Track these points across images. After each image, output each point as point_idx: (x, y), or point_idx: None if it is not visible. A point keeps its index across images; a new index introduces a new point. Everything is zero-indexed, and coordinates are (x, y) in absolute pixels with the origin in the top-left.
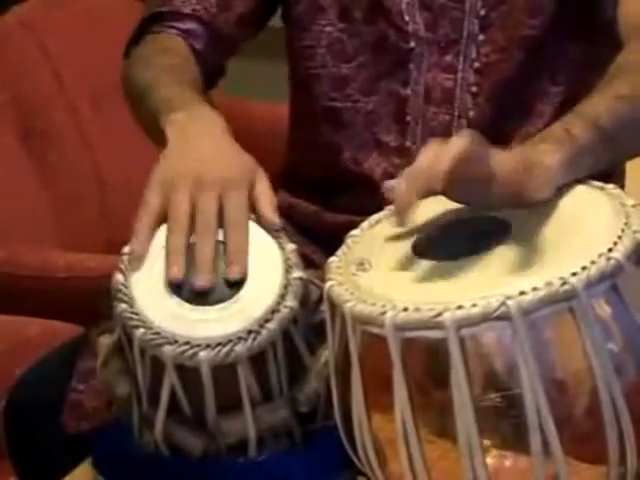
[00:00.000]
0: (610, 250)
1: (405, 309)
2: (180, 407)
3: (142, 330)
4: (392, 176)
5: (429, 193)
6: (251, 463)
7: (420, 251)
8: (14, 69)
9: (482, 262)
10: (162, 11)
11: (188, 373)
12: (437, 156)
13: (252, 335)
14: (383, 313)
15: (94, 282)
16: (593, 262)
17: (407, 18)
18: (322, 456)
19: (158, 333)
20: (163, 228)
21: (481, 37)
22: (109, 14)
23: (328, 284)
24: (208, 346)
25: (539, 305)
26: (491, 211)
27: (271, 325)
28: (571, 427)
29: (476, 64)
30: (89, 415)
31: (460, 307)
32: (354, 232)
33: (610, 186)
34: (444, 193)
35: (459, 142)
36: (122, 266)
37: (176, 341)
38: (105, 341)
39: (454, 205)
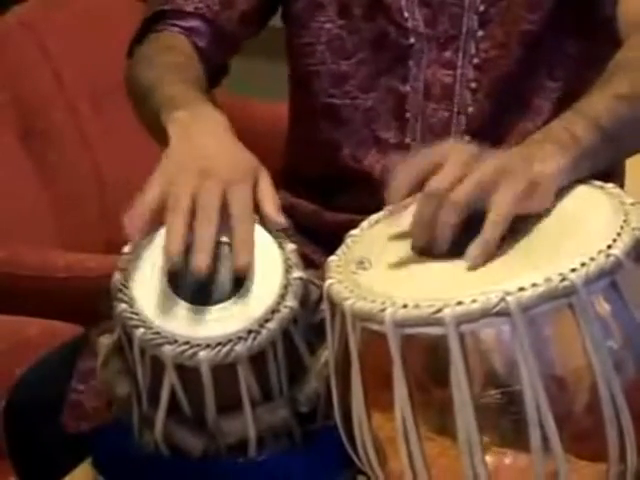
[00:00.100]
0: (609, 247)
1: (405, 306)
2: (180, 407)
3: (142, 330)
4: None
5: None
6: (251, 463)
7: (420, 250)
8: (14, 69)
9: None
10: (165, 9)
11: (188, 373)
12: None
13: (252, 335)
14: (383, 310)
15: (94, 282)
16: (592, 259)
17: (406, 14)
18: (322, 456)
19: (158, 333)
20: (163, 230)
21: (480, 33)
22: (109, 14)
23: (328, 282)
24: (208, 346)
25: (538, 301)
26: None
27: (271, 325)
28: (571, 424)
29: (475, 60)
30: (89, 415)
31: (460, 303)
32: (354, 231)
33: (609, 185)
34: None
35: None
36: (122, 266)
37: (176, 341)
38: (105, 341)
39: None
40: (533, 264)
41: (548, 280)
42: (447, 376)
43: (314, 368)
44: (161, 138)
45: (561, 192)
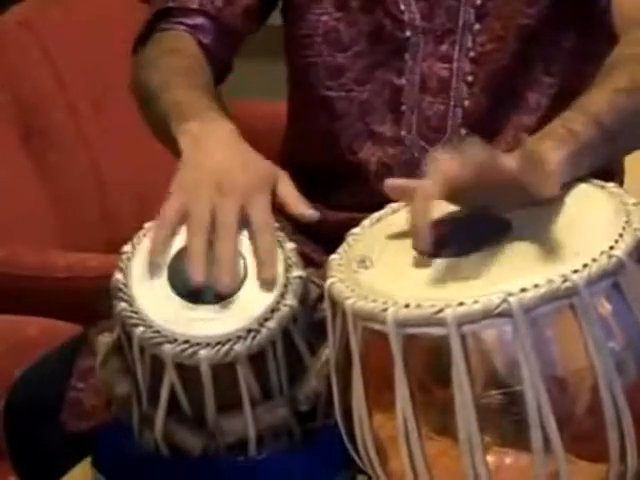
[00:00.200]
0: (612, 248)
1: (406, 305)
2: (180, 406)
3: (142, 329)
4: (387, 166)
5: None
6: (251, 462)
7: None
8: (14, 69)
9: (483, 260)
10: (170, 7)
11: (188, 372)
12: (450, 174)
13: (252, 334)
14: (384, 309)
15: (94, 282)
16: (594, 259)
17: (403, 7)
18: (322, 455)
19: (158, 332)
20: None
21: (477, 26)
22: (109, 14)
23: (329, 281)
24: (208, 345)
25: (540, 302)
26: (492, 210)
27: (271, 324)
28: (572, 425)
29: (472, 53)
30: (88, 414)
31: (461, 304)
32: (355, 230)
33: (610, 185)
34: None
35: (471, 157)
36: (122, 265)
37: (176, 340)
38: (104, 340)
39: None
40: (535, 265)
41: (550, 281)
42: (448, 376)
43: (314, 367)
44: (165, 140)
45: (562, 191)
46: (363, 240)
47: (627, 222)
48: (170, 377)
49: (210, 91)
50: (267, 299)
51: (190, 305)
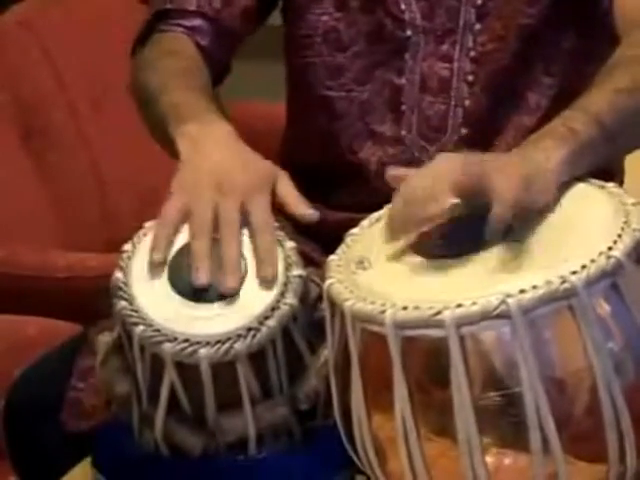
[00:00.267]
0: (610, 248)
1: (405, 307)
2: (180, 405)
3: (142, 327)
4: (387, 165)
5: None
6: (251, 461)
7: (420, 250)
8: (14, 69)
9: (482, 261)
10: (168, 8)
11: (188, 371)
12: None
13: (252, 332)
14: (383, 311)
15: (94, 282)
16: (593, 260)
17: (403, 7)
18: (322, 454)
19: (158, 330)
20: None
21: (478, 26)
22: (109, 14)
23: (328, 282)
24: (208, 343)
25: (539, 303)
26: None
27: (271, 322)
28: (571, 426)
29: (472, 53)
30: (88, 413)
31: (460, 305)
32: (354, 230)
33: (610, 185)
34: None
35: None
36: (122, 264)
37: (176, 338)
38: (104, 339)
39: None
40: (533, 266)
41: (548, 282)
42: (447, 377)
43: (314, 366)
44: (163, 140)
45: (561, 191)
46: (362, 241)
47: (626, 222)
48: (170, 376)
49: (208, 93)
50: (267, 298)
51: (190, 304)
